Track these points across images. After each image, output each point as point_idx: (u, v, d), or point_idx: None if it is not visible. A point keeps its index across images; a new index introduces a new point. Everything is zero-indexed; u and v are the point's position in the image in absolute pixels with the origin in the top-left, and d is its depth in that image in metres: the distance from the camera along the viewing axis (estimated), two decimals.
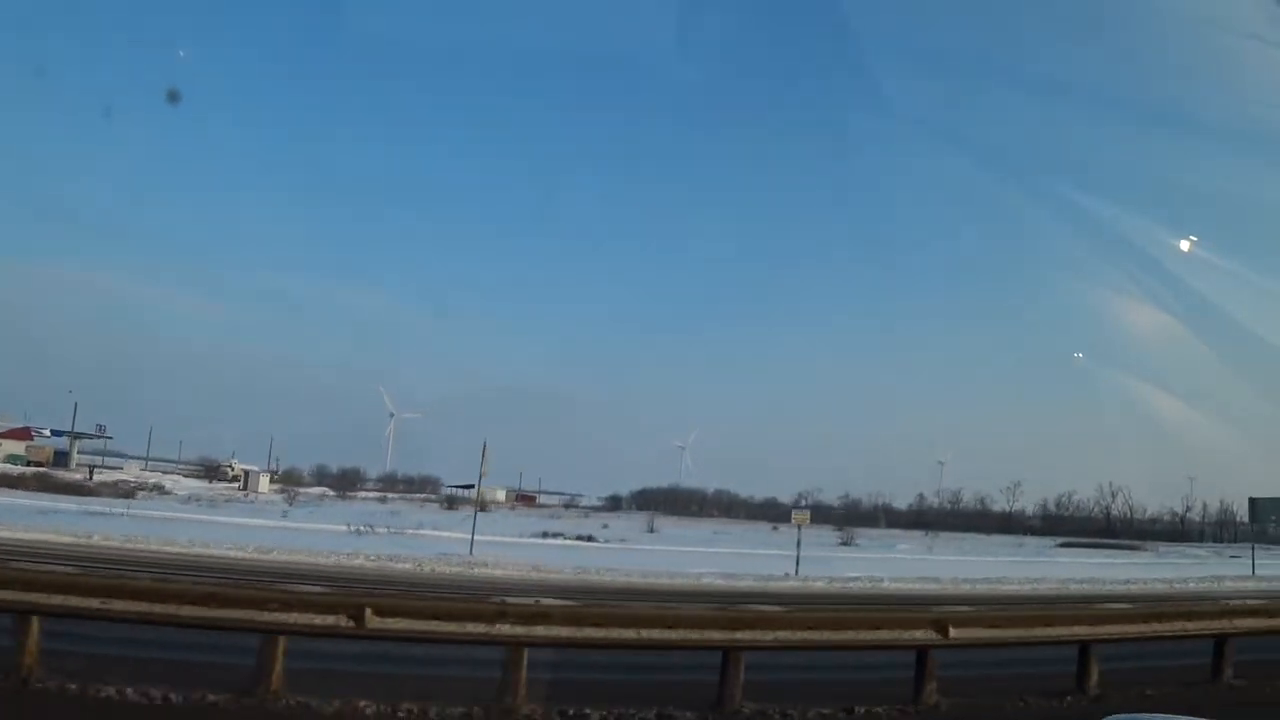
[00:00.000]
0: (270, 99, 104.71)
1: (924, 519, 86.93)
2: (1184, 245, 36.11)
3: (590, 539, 40.62)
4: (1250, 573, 29.82)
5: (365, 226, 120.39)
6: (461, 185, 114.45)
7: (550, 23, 73.19)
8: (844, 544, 50.69)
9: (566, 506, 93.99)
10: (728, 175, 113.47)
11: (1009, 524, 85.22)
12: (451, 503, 68.65)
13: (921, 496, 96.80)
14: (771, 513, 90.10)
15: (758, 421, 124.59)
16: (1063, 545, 58.26)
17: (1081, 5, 53.91)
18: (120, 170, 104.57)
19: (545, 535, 40.51)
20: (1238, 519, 67.19)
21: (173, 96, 55.64)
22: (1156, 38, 43.55)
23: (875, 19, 57.53)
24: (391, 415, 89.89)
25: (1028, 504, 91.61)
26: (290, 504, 55.05)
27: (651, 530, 54.47)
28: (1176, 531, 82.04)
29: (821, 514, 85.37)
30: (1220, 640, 9.34)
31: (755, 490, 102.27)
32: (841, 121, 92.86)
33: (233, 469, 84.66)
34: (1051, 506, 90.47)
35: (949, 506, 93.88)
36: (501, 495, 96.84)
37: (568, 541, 38.24)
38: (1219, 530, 79.11)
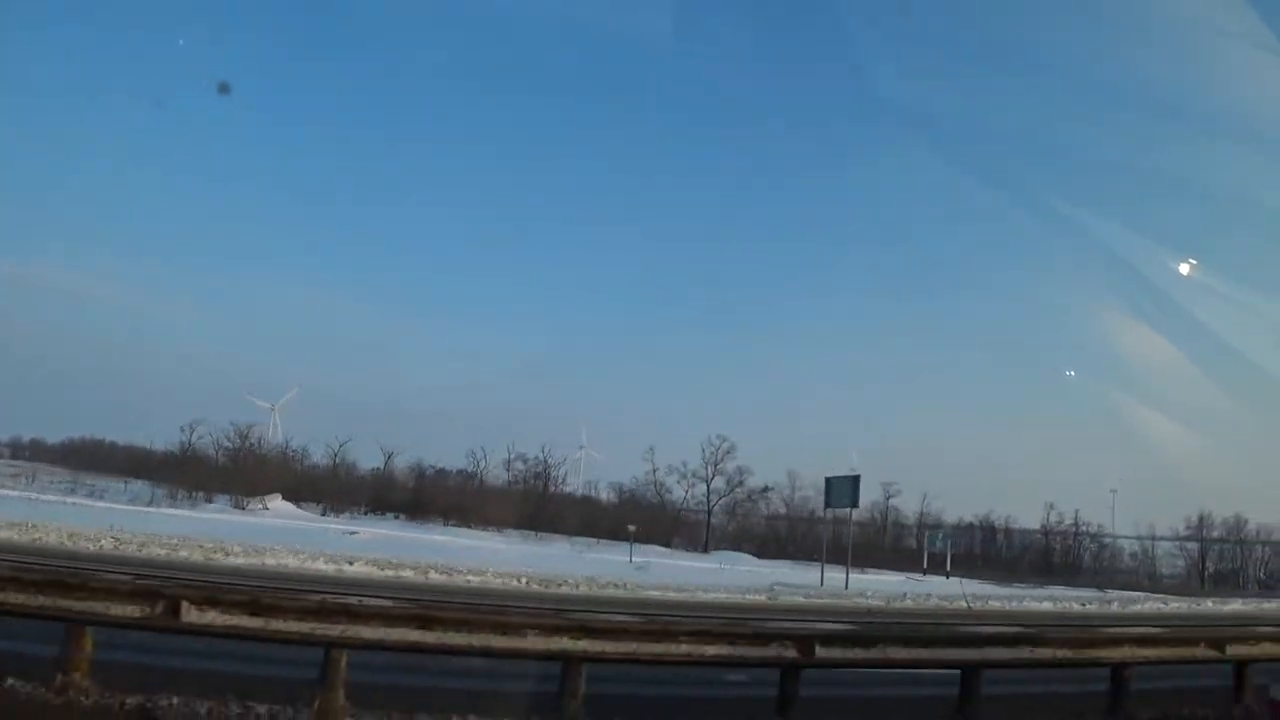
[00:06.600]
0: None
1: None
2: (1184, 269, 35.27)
3: None
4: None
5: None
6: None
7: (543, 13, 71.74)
8: None
9: None
10: (706, 174, 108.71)
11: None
12: None
13: None
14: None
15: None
16: None
17: (1084, 13, 53.78)
18: None
19: None
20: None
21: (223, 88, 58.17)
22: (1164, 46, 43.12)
23: (873, 23, 57.25)
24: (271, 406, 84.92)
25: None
26: None
27: None
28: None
29: None
30: None
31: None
32: (831, 125, 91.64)
33: None
34: None
35: None
36: None
37: None
38: None
